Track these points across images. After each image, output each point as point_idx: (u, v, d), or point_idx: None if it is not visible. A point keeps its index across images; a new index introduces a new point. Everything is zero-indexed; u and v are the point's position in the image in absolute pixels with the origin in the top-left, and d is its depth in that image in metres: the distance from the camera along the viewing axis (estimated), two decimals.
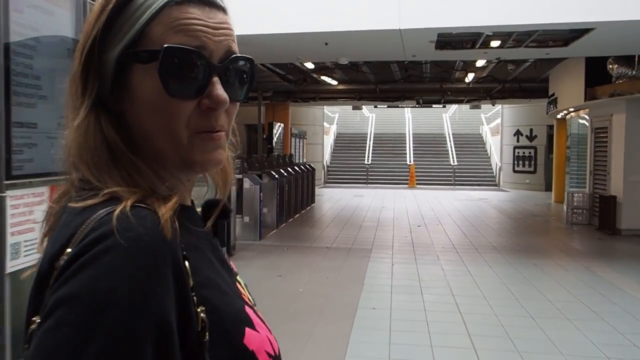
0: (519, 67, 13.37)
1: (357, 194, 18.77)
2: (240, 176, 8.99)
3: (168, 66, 0.62)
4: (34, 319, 0.58)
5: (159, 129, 0.65)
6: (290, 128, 19.17)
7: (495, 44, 8.37)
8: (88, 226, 0.57)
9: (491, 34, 7.73)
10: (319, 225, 11.50)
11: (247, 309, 0.70)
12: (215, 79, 0.65)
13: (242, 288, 0.78)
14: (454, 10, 6.83)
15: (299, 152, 21.03)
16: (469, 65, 13.67)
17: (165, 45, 0.62)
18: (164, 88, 0.63)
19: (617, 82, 10.33)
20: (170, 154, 0.66)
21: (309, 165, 15.50)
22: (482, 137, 27.80)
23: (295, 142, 20.05)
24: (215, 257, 0.71)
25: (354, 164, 25.53)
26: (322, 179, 24.00)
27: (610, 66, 10.40)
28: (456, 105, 30.68)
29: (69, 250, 0.57)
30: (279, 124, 18.04)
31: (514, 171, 21.93)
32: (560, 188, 15.74)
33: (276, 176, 10.78)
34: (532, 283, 6.56)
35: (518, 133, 21.78)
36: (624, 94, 10.11)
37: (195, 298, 0.60)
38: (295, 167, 13.31)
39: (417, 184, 23.10)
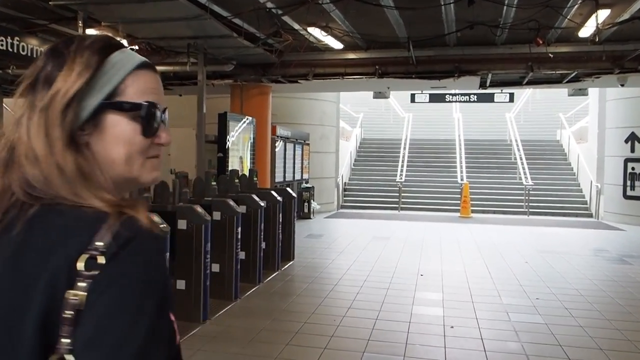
0: None
1: (380, 233, 11.52)
2: None
3: (147, 115, 0.90)
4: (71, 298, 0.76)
5: (123, 156, 0.89)
6: (275, 127, 12.11)
7: None
8: (111, 229, 0.77)
9: None
10: None
11: None
12: (162, 125, 0.94)
13: None
14: None
15: (296, 165, 13.96)
16: None
17: (147, 101, 0.89)
18: (142, 129, 0.89)
19: None
20: (128, 175, 0.90)
21: (279, 191, 8.43)
22: (560, 145, 20.01)
23: (286, 149, 12.99)
24: None
25: (381, 181, 18.23)
26: (336, 203, 16.82)
27: None
28: (524, 100, 23.15)
29: (95, 249, 0.76)
30: (247, 119, 10.92)
31: (626, 197, 14.26)
32: None
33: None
34: None
35: (633, 138, 14.11)
36: None
37: None
38: (242, 200, 6.26)
39: (473, 212, 15.66)
